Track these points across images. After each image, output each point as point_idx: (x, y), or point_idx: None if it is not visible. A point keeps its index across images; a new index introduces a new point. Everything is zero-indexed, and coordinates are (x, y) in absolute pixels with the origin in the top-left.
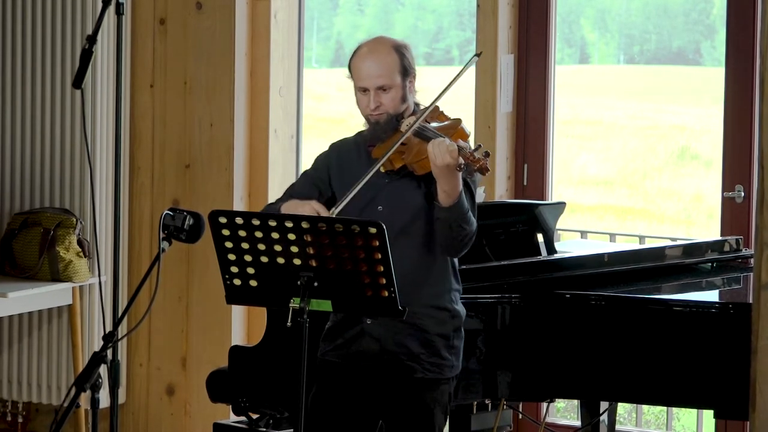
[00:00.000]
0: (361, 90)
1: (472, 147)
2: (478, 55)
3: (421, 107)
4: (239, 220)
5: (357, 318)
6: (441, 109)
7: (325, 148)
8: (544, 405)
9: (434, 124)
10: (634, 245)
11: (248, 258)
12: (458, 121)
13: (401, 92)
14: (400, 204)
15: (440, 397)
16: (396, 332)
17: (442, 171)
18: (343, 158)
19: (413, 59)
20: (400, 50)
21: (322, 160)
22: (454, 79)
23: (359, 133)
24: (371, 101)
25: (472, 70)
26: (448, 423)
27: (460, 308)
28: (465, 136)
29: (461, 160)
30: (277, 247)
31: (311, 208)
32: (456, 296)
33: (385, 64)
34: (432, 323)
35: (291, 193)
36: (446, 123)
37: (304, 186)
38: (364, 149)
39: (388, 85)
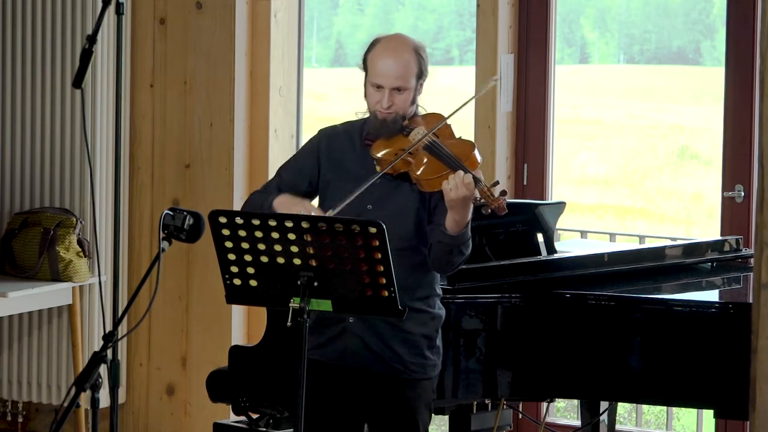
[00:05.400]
0: (375, 86)
1: (488, 182)
2: (495, 79)
3: (421, 110)
4: (239, 220)
5: (338, 316)
6: (448, 122)
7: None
8: (544, 405)
9: (447, 142)
10: (634, 245)
11: (248, 258)
12: (472, 145)
13: (414, 94)
14: (390, 205)
15: (425, 395)
16: (379, 332)
17: (456, 202)
18: (333, 146)
19: (428, 61)
20: (418, 52)
21: (310, 148)
22: (469, 100)
23: (350, 123)
24: (385, 99)
25: (472, 70)
26: (448, 423)
27: (441, 311)
28: (476, 164)
29: (477, 195)
30: (277, 247)
31: (304, 208)
32: (436, 300)
33: (405, 66)
34: (412, 324)
35: (279, 184)
36: (459, 143)
37: (293, 175)
38: (359, 140)
39: (404, 87)
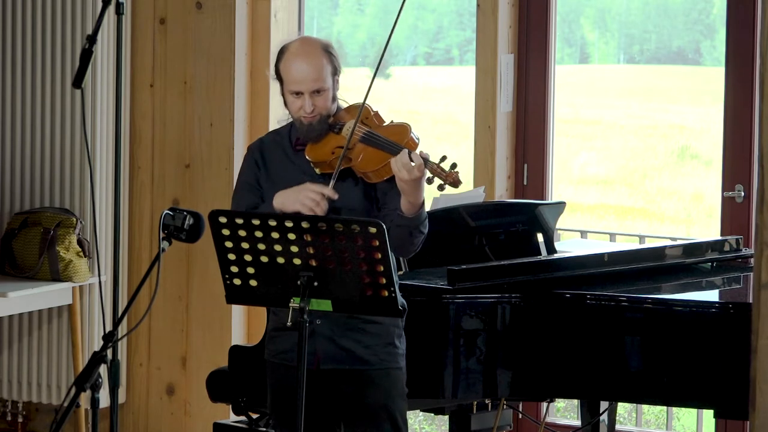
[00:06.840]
0: (293, 93)
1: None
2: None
3: (342, 104)
4: (239, 220)
5: None
6: (373, 109)
7: None
8: (544, 405)
9: (381, 129)
10: (634, 245)
11: (248, 258)
12: (407, 127)
13: (332, 92)
14: (338, 204)
15: (398, 384)
16: (349, 329)
17: (408, 185)
18: (267, 159)
19: (338, 56)
20: (328, 50)
21: (249, 165)
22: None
23: (275, 132)
24: (307, 104)
25: (472, 70)
26: (448, 423)
27: (403, 300)
28: (415, 144)
29: (429, 174)
30: (277, 247)
31: (312, 190)
32: (397, 288)
33: (318, 67)
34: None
35: (251, 201)
36: (393, 127)
37: (253, 197)
38: (290, 147)
39: (322, 88)
